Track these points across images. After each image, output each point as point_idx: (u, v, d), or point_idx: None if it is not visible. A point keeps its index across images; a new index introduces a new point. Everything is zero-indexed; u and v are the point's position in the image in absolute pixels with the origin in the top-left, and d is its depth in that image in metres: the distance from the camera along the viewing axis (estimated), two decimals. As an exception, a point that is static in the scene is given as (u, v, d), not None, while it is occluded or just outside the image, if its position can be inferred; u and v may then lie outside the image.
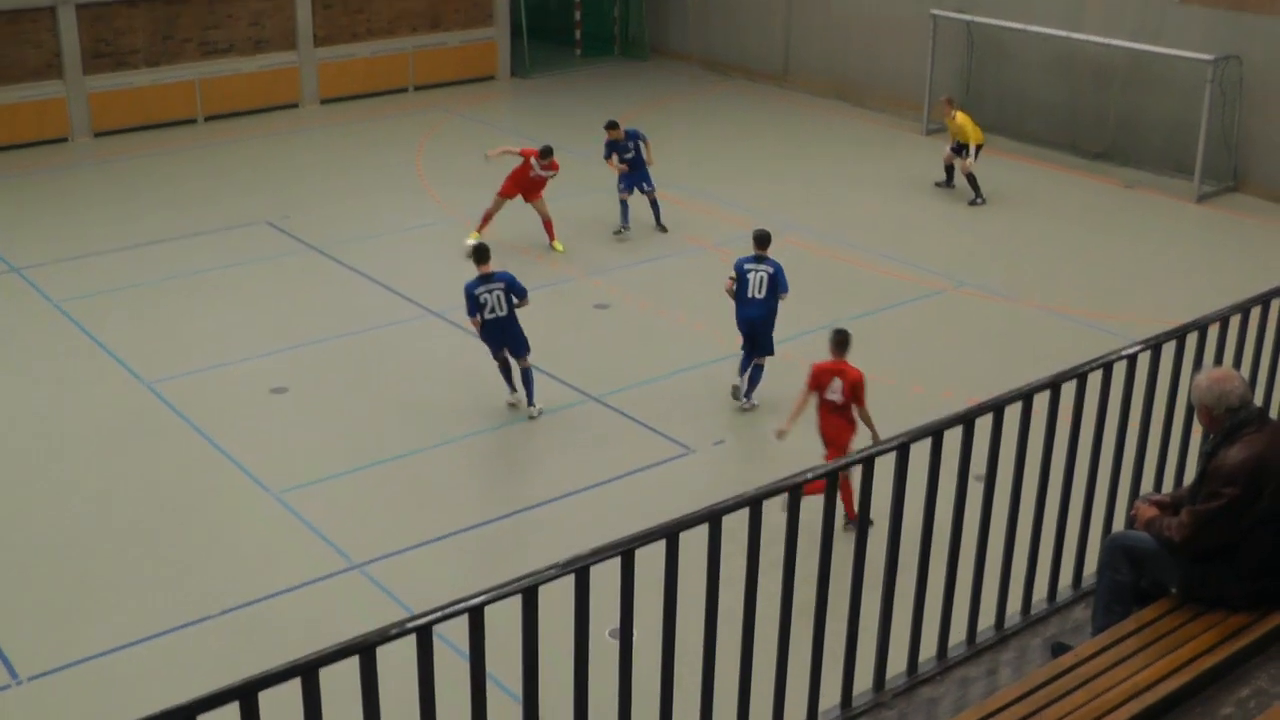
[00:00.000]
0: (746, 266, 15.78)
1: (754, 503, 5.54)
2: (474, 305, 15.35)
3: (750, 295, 15.68)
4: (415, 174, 24.83)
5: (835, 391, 13.00)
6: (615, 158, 21.70)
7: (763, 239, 15.94)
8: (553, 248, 20.95)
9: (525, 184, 20.73)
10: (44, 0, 26.53)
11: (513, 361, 15.78)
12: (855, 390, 12.93)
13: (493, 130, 26.78)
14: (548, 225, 21.00)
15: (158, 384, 16.55)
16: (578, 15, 34.23)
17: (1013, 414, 6.52)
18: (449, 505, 13.92)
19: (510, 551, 13.17)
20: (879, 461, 6.11)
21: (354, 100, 29.81)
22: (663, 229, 21.76)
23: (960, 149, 23.39)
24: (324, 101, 29.73)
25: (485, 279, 15.37)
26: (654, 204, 21.79)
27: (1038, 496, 6.94)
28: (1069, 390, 6.74)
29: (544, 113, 29.27)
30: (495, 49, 32.06)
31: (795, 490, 5.63)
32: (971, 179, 23.12)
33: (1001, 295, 19.24)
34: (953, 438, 6.26)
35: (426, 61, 31.03)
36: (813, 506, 5.86)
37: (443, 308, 18.66)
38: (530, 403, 15.73)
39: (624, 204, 21.64)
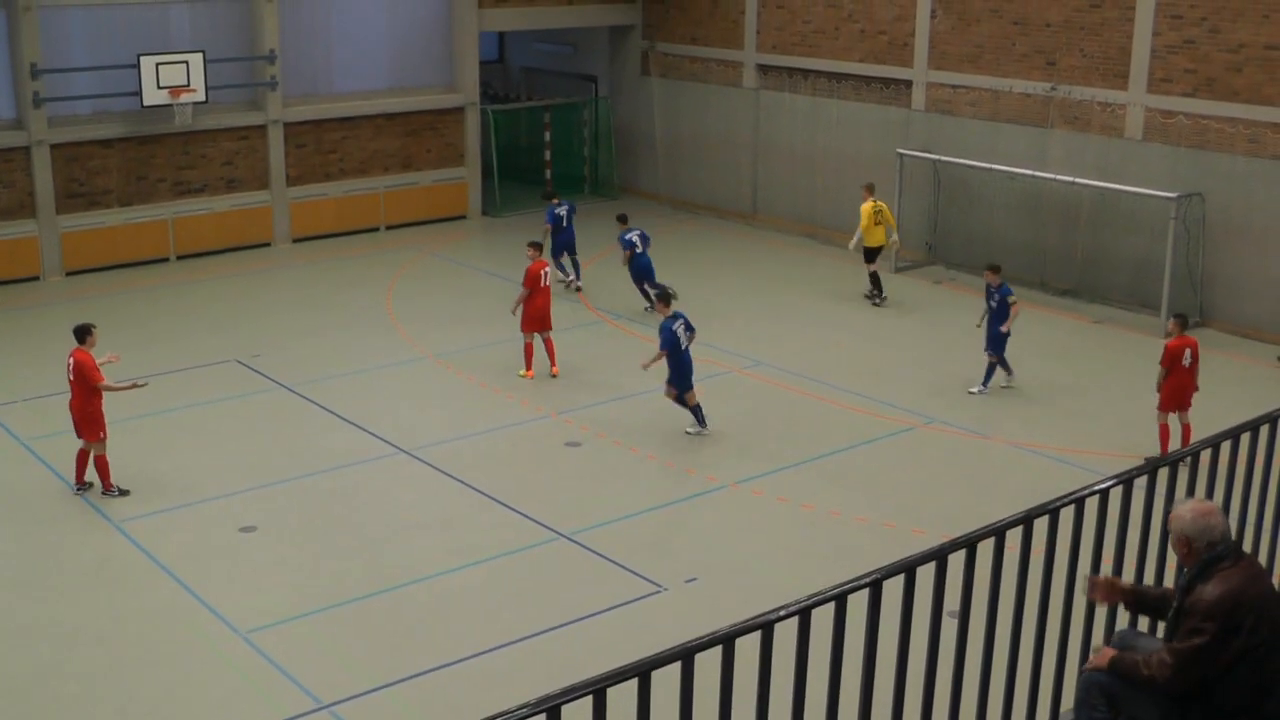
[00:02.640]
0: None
1: (727, 640, 5.48)
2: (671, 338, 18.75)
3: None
4: (386, 312, 24.90)
5: None
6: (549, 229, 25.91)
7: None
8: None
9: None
10: (18, 140, 26.74)
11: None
12: None
13: (463, 269, 26.92)
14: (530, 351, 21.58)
15: (125, 523, 16.39)
16: (548, 155, 34.67)
17: (985, 550, 6.50)
18: (418, 645, 13.75)
19: (480, 691, 12.97)
20: (851, 599, 6.07)
21: (326, 239, 30.02)
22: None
23: (873, 253, 25.02)
24: (296, 240, 29.91)
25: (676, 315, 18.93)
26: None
27: (1012, 633, 6.89)
28: (1041, 526, 6.73)
29: (515, 251, 29.37)
30: (466, 189, 32.41)
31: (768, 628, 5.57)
32: (876, 278, 25.15)
33: (971, 431, 19.30)
34: (925, 574, 6.22)
35: (398, 201, 31.34)
36: (786, 649, 5.80)
37: (412, 446, 18.62)
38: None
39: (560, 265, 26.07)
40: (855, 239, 25.11)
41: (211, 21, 28.99)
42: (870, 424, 19.61)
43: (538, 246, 21.94)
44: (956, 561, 6.38)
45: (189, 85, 27.58)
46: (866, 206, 25.00)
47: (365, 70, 31.29)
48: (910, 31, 27.82)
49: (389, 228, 31.02)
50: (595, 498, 17.22)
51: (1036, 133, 25.88)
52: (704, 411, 18.95)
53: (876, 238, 24.92)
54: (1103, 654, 6.75)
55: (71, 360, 16.83)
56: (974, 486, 17.35)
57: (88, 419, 16.86)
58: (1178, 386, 17.77)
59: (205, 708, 12.76)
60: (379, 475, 17.98)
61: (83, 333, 17.07)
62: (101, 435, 16.96)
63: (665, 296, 19.50)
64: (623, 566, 15.27)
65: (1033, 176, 25.42)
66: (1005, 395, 20.69)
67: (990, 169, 26.06)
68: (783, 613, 5.76)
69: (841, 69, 29.32)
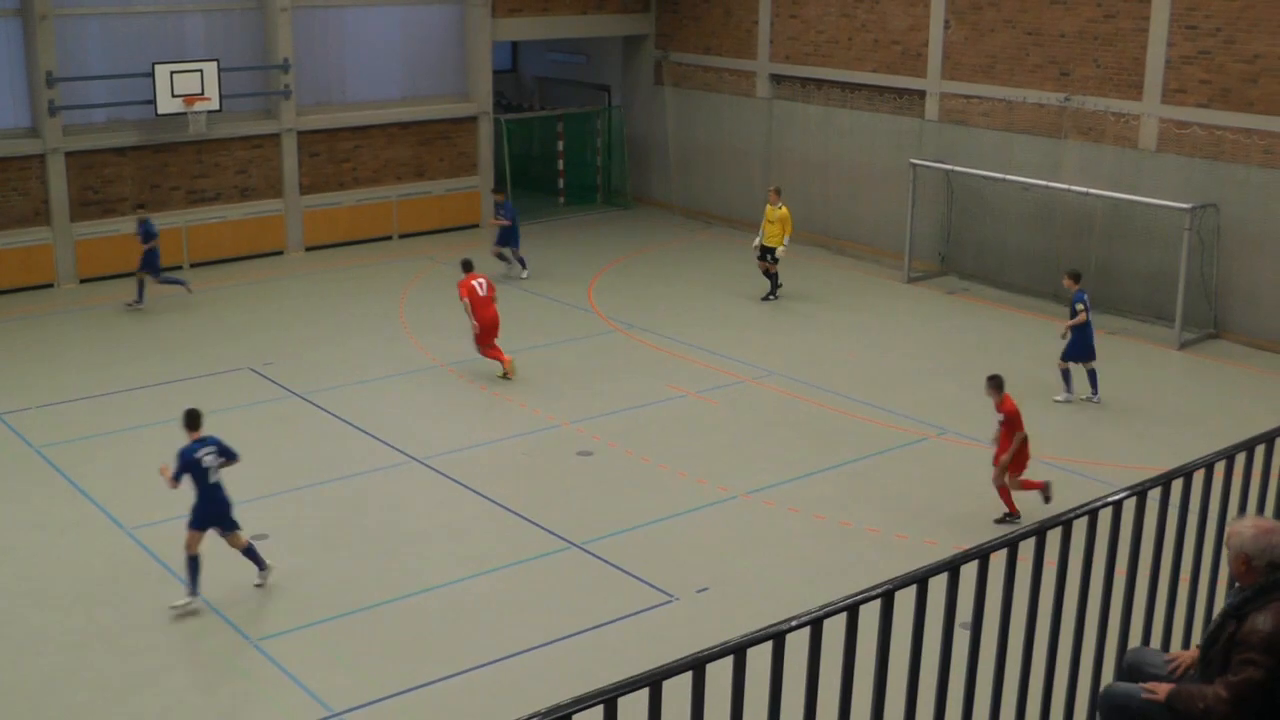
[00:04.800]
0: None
1: (738, 650, 5.46)
2: (187, 467, 14.40)
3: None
4: (399, 321, 24.93)
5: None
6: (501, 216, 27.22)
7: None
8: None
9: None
10: (33, 148, 26.83)
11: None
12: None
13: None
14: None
15: (137, 530, 16.41)
16: (561, 165, 34.72)
17: (998, 562, 6.47)
18: (430, 653, 13.73)
19: (491, 700, 12.96)
20: (863, 610, 6.05)
21: (339, 248, 30.08)
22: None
23: (768, 252, 25.74)
24: (309, 249, 29.97)
25: (201, 442, 14.49)
26: (501, 256, 27.49)
27: (1025, 646, 6.86)
28: (1054, 538, 6.70)
29: (531, 260, 29.50)
30: (479, 198, 32.43)
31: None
32: (775, 278, 25.92)
33: (984, 443, 19.23)
34: (938, 585, 6.20)
35: (411, 210, 31.39)
36: (798, 660, 5.78)
37: (425, 454, 18.63)
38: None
39: (501, 256, 27.41)
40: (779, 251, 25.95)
41: (226, 30, 29.08)
42: (883, 435, 19.58)
43: (466, 266, 22.53)
44: (969, 573, 6.36)
45: (203, 94, 27.67)
46: (786, 212, 25.84)
47: (378, 79, 31.35)
48: (924, 42, 27.81)
49: (402, 236, 31.07)
50: (607, 507, 17.20)
51: (1050, 143, 25.85)
52: (196, 575, 14.59)
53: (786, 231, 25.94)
54: (1159, 688, 6.57)
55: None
56: (986, 498, 17.29)
57: None
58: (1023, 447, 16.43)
59: (216, 714, 12.76)
60: (391, 483, 17.99)
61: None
62: None
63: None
64: (634, 576, 15.25)
65: (1046, 187, 25.39)
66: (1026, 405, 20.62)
67: (1004, 180, 26.03)
68: (794, 623, 5.75)
69: (855, 79, 29.32)
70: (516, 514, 16.83)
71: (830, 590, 6.57)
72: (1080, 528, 6.80)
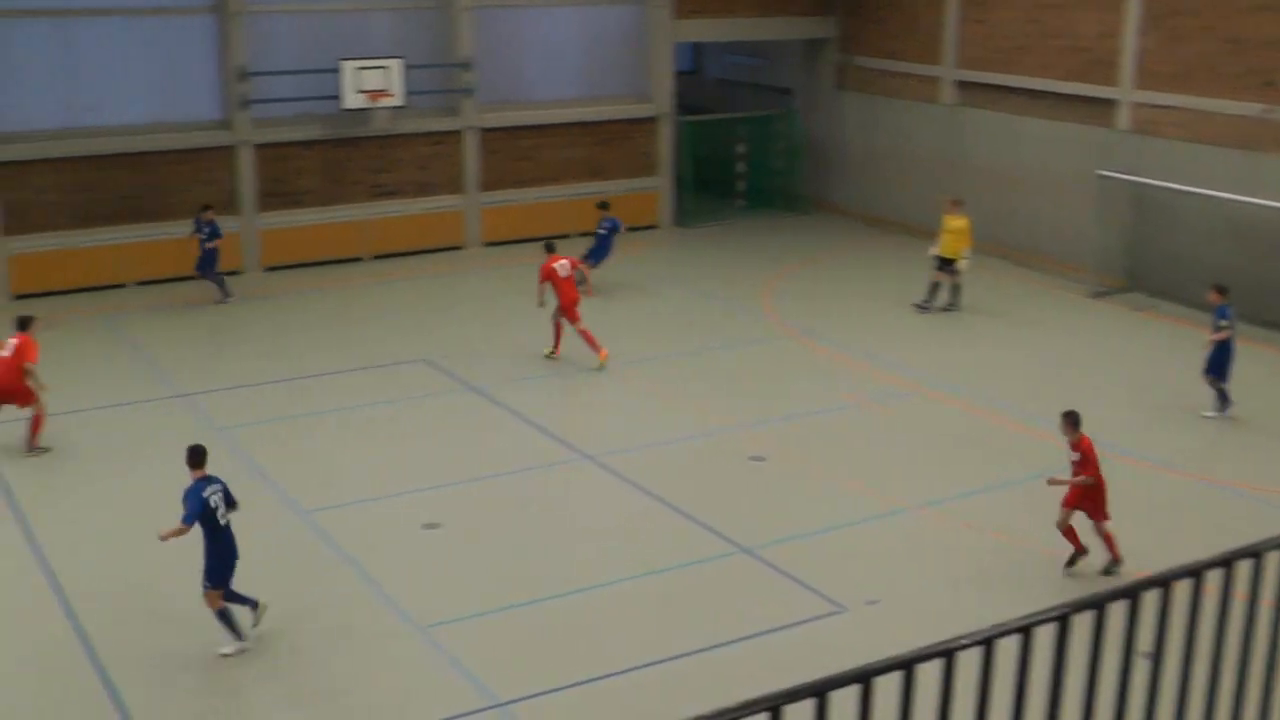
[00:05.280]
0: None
1: (907, 666, 5.33)
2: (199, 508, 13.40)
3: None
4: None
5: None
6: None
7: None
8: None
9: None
10: (224, 139, 27.67)
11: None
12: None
13: (653, 278, 27.00)
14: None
15: (313, 514, 16.76)
16: (741, 168, 34.62)
17: (1182, 591, 6.22)
18: (594, 650, 13.77)
19: (657, 700, 12.95)
20: (1038, 632, 5.86)
21: (516, 244, 30.37)
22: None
23: (947, 264, 25.16)
24: (487, 244, 30.34)
25: (207, 480, 13.62)
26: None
27: (1209, 681, 6.59)
28: (1244, 570, 6.42)
29: (703, 263, 29.51)
30: (658, 199, 32.50)
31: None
32: (956, 290, 25.38)
33: (1167, 466, 18.67)
34: (1117, 612, 5.99)
35: (589, 209, 31.51)
36: (968, 679, 5.63)
37: (597, 452, 18.70)
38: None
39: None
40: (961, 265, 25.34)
41: (411, 29, 29.59)
42: (1059, 452, 19.07)
43: (549, 248, 23.11)
44: (1150, 601, 6.13)
45: (388, 90, 28.21)
46: (966, 223, 25.31)
47: (559, 79, 31.60)
48: (1116, 49, 27.06)
49: (580, 235, 31.25)
50: (777, 513, 17.07)
51: (1249, 157, 24.90)
52: (234, 620, 13.80)
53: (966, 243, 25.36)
54: None
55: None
56: (1164, 522, 16.78)
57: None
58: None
59: (381, 697, 12.96)
60: (562, 479, 18.10)
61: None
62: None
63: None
64: (803, 584, 15.10)
65: (1244, 203, 24.44)
66: (1202, 428, 19.99)
67: (1195, 193, 25.17)
68: (965, 641, 5.59)
69: (1041, 86, 28.66)
70: (686, 515, 16.80)
71: (1003, 610, 6.39)
72: (1274, 560, 6.51)
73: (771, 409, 20.60)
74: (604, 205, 26.91)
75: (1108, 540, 15.33)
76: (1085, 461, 15.19)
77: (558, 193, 31.29)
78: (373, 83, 28.10)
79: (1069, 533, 15.36)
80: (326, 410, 20.38)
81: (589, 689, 13.08)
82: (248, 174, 27.98)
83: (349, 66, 27.91)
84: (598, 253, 26.34)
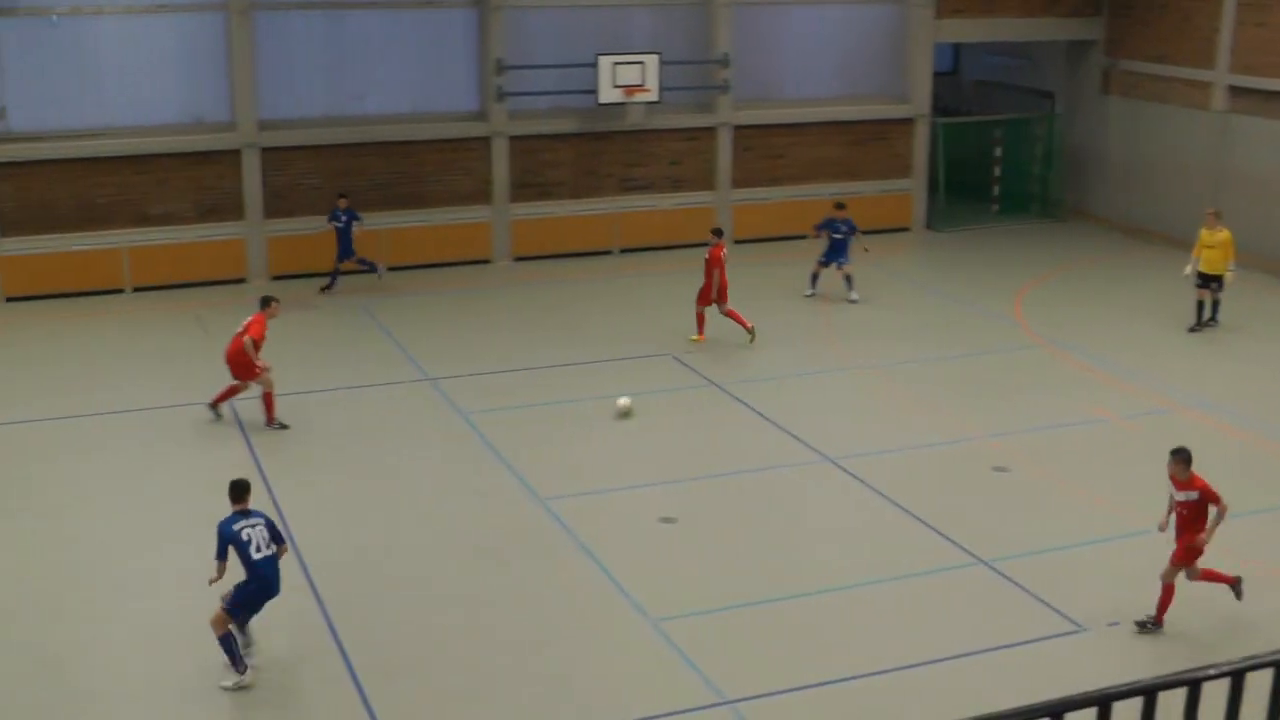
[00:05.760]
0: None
1: (1149, 693, 5.12)
2: (231, 544, 12.86)
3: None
4: (819, 318, 24.91)
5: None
6: (825, 233, 26.07)
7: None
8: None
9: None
10: (480, 131, 28.33)
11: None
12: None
13: (903, 282, 26.64)
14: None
15: (551, 501, 17.00)
16: (996, 172, 33.88)
17: None
18: (825, 653, 13.63)
19: (886, 708, 12.76)
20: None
21: (765, 243, 30.30)
22: (853, 301, 25.43)
23: (1210, 280, 23.90)
24: (737, 241, 30.36)
25: (245, 514, 13.02)
26: (847, 277, 25.91)
27: None
28: None
29: (954, 267, 29.01)
30: (911, 201, 32.06)
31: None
32: (1217, 306, 24.06)
33: None
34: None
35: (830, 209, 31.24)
36: (1214, 712, 5.37)
37: (837, 454, 18.52)
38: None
39: (815, 275, 26.21)
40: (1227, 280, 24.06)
41: (668, 24, 29.77)
42: (1326, 477, 18.18)
43: (717, 233, 23.75)
44: None
45: (643, 85, 28.44)
46: (1229, 236, 24.03)
47: (815, 77, 31.41)
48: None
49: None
50: (1018, 526, 16.65)
51: None
52: (239, 654, 12.98)
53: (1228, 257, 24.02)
54: None
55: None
56: None
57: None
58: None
59: (608, 684, 13.08)
60: (800, 480, 17.99)
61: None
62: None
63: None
64: (1042, 600, 14.69)
65: None
66: None
67: None
68: (1213, 672, 5.34)
69: (1323, 94, 27.29)
70: (925, 523, 16.51)
71: (1253, 643, 6.08)
72: None
73: (1017, 419, 20.10)
74: (840, 206, 26.54)
75: (1168, 593, 14.01)
76: (1202, 502, 13.70)
77: (809, 192, 31.09)
78: (628, 78, 28.38)
79: (1210, 576, 14.13)
80: (568, 400, 20.66)
81: (818, 692, 12.96)
82: (501, 165, 28.58)
83: (606, 61, 28.25)
84: (836, 254, 26.03)
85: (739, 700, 12.76)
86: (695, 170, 30.26)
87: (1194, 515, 13.77)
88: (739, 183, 30.55)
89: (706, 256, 23.23)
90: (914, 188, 32.10)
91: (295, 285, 26.52)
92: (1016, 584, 15.03)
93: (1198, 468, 13.92)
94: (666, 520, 16.57)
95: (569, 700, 12.84)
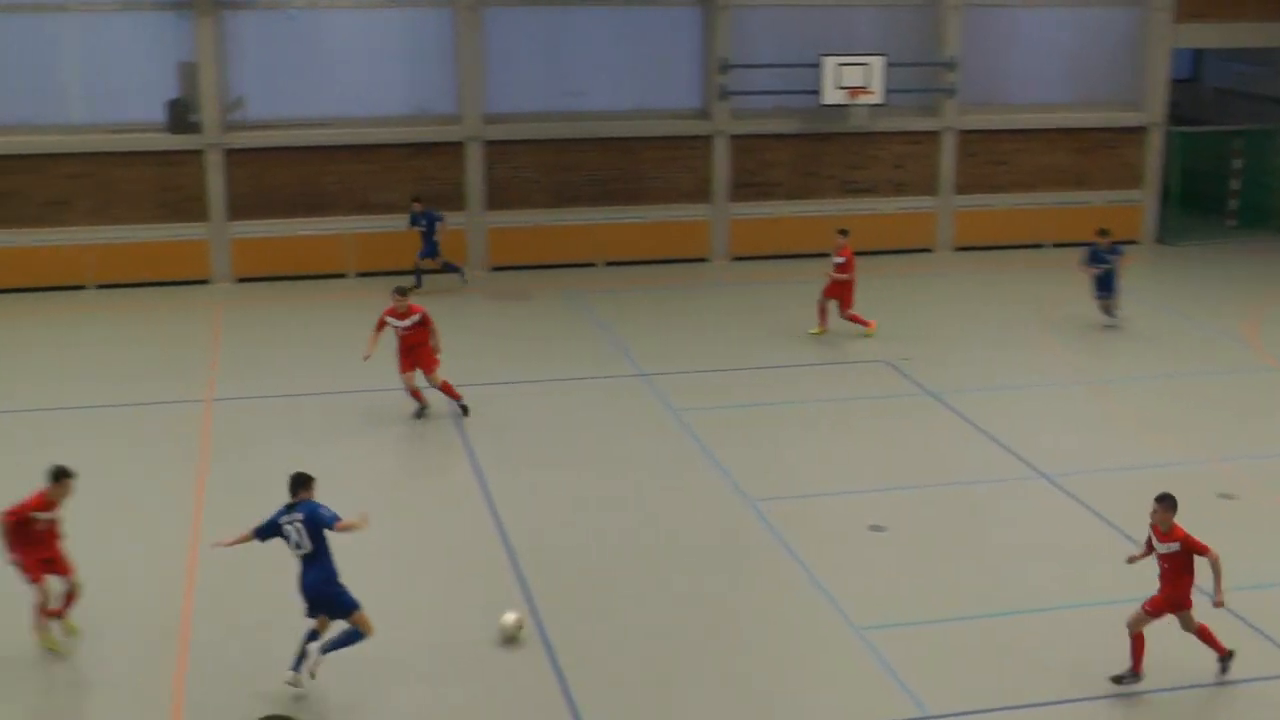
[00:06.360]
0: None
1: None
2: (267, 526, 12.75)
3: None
4: (1040, 331, 24.25)
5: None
6: (1095, 267, 24.07)
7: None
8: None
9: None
10: (702, 129, 28.33)
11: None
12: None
13: (1129, 295, 25.76)
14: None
15: (760, 503, 16.84)
16: (1234, 184, 32.51)
17: None
18: (1034, 674, 13.18)
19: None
20: None
21: (987, 250, 29.68)
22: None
23: None
24: (958, 249, 29.80)
25: (291, 508, 12.68)
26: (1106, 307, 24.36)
27: None
28: None
29: (1185, 283, 27.98)
30: (1141, 212, 31.03)
31: None
32: None
33: None
34: None
35: (1066, 219, 30.40)
36: None
37: (1053, 471, 17.97)
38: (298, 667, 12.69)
39: (1106, 309, 24.32)
40: None
41: (894, 25, 29.37)
42: None
43: (843, 232, 23.58)
44: None
45: (867, 87, 28.08)
46: None
47: (1045, 82, 30.66)
48: None
49: (1056, 245, 30.15)
50: (1242, 557, 15.81)
51: None
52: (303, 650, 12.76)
53: None
54: None
55: None
56: None
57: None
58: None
59: (808, 690, 12.90)
60: (1014, 496, 17.50)
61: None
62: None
63: None
64: (1267, 636, 13.98)
65: None
66: None
67: None
68: None
69: None
70: (1141, 547, 15.86)
71: None
72: None
73: (1246, 445, 19.22)
74: (1104, 233, 24.55)
75: (1138, 643, 12.96)
76: (1189, 549, 12.79)
77: (1034, 200, 30.35)
78: (853, 79, 28.06)
79: (1205, 636, 13.13)
80: (781, 401, 20.49)
81: (1024, 714, 12.55)
82: (722, 164, 28.56)
83: (830, 62, 27.98)
84: (1107, 286, 24.25)
85: (941, 716, 12.44)
86: (917, 175, 29.76)
87: (1177, 569, 12.85)
88: (962, 188, 29.97)
89: (844, 257, 23.06)
90: (1145, 199, 31.06)
91: (515, 276, 26.90)
92: (1239, 617, 14.33)
93: None
94: (876, 528, 16.27)
95: (766, 704, 12.67)
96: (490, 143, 27.71)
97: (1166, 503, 12.95)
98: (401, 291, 19.46)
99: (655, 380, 21.24)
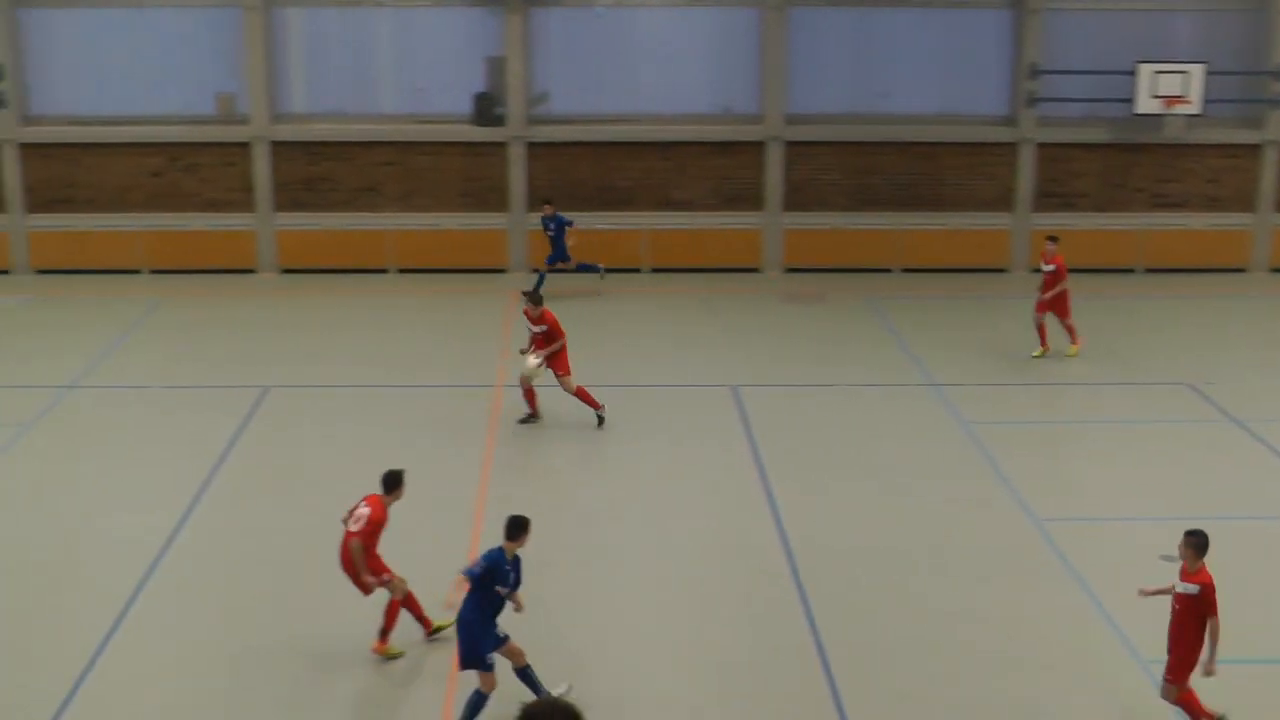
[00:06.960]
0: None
1: None
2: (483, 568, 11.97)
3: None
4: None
5: None
6: None
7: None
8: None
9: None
10: (1008, 136, 27.70)
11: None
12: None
13: None
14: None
15: (1046, 522, 16.37)
16: None
17: None
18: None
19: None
20: None
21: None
22: None
23: None
24: (1274, 270, 28.36)
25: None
26: None
27: None
28: None
29: None
30: None
31: None
32: None
33: None
34: None
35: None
36: None
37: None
38: None
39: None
40: None
41: (1216, 30, 28.13)
42: None
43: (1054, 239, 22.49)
44: None
45: (1185, 96, 26.95)
46: None
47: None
48: None
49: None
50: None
51: None
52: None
53: None
54: None
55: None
56: None
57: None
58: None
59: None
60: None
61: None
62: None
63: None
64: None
65: None
66: None
67: None
68: None
69: None
70: None
71: None
72: None
73: None
74: None
75: (1191, 703, 11.90)
76: (1205, 600, 11.71)
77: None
78: (1169, 87, 26.96)
79: (1189, 703, 11.95)
80: (1075, 420, 19.98)
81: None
82: (1027, 173, 27.87)
83: (1146, 69, 26.96)
84: None
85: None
86: (1233, 190, 28.39)
87: (1189, 615, 11.80)
88: (1281, 206, 28.55)
89: (1054, 265, 22.17)
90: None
91: (809, 278, 26.90)
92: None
93: None
94: (1167, 558, 15.54)
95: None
96: (791, 143, 27.71)
97: (1194, 538, 12.03)
98: (533, 300, 19.57)
99: (945, 391, 20.88)
